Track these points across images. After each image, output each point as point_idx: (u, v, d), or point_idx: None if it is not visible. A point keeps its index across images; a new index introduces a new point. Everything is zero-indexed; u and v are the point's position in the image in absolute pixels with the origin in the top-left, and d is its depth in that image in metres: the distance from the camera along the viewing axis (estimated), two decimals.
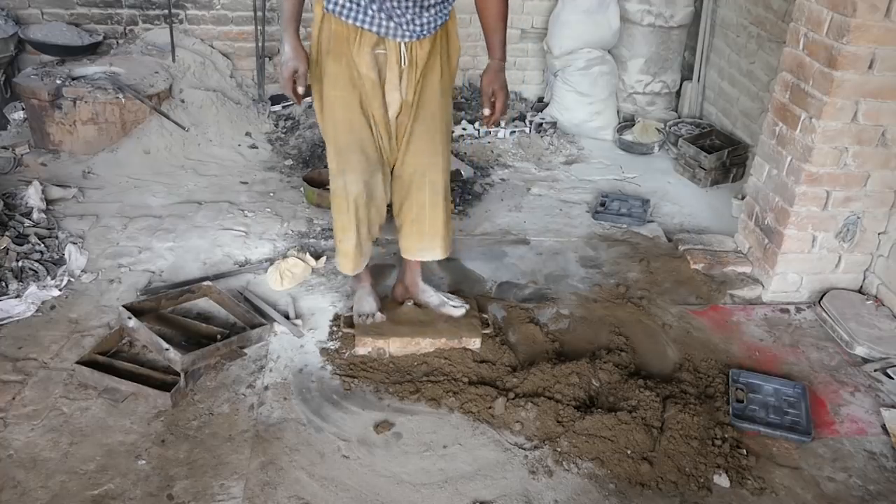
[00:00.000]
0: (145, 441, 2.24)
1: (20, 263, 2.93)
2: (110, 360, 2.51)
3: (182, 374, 2.40)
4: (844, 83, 2.65)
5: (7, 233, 3.06)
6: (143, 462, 2.17)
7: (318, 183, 3.73)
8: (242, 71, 4.77)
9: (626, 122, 4.70)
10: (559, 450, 2.26)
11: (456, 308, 2.72)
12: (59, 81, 3.95)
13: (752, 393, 2.52)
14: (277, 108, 4.64)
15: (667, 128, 4.53)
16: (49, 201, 3.48)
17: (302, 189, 3.73)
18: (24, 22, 4.39)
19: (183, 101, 4.25)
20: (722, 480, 2.18)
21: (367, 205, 2.49)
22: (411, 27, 2.22)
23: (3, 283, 2.82)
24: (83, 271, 3.03)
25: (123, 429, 2.28)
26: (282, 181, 3.92)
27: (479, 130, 4.50)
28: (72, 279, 2.97)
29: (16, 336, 2.65)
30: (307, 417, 2.36)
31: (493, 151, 4.35)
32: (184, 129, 4.14)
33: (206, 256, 3.20)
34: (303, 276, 3.03)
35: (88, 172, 3.84)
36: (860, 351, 2.76)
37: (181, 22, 4.60)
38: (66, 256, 3.05)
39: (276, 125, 4.51)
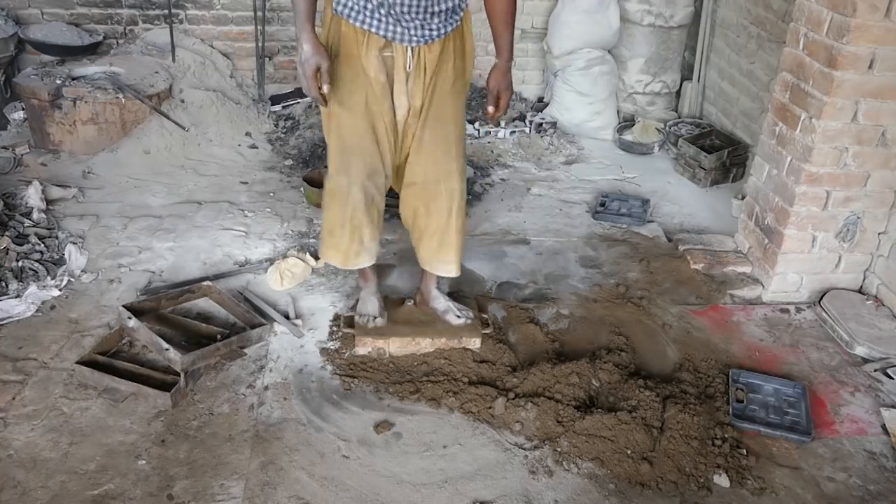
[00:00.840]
0: (145, 441, 2.24)
1: (20, 263, 2.93)
2: (110, 360, 2.51)
3: (182, 374, 2.40)
4: (844, 83, 2.65)
5: (7, 233, 3.06)
6: (143, 462, 2.17)
7: (318, 183, 3.72)
8: (242, 71, 4.77)
9: (626, 122, 4.70)
10: (559, 450, 2.26)
11: (458, 318, 2.69)
12: (59, 81, 3.95)
13: (752, 393, 2.52)
14: (277, 108, 4.64)
15: (667, 128, 4.53)
16: (49, 201, 3.48)
17: (302, 189, 3.73)
18: (24, 22, 4.39)
19: (183, 101, 4.25)
20: (722, 480, 2.18)
21: (367, 208, 2.46)
22: (419, 32, 2.19)
23: (3, 283, 2.82)
24: (83, 271, 3.03)
25: (123, 429, 2.28)
26: (282, 181, 3.92)
27: (478, 130, 4.50)
28: (72, 279, 2.97)
29: (16, 336, 2.65)
30: (307, 417, 2.36)
31: (493, 151, 4.35)
32: (184, 129, 4.14)
33: (206, 256, 3.20)
34: (303, 276, 3.03)
35: (88, 172, 3.84)
36: (860, 351, 2.76)
37: (181, 22, 4.60)
38: (66, 256, 3.05)
39: (276, 125, 4.52)
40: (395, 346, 2.63)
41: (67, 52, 4.29)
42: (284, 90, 4.79)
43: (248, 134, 4.36)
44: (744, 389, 2.52)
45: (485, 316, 2.79)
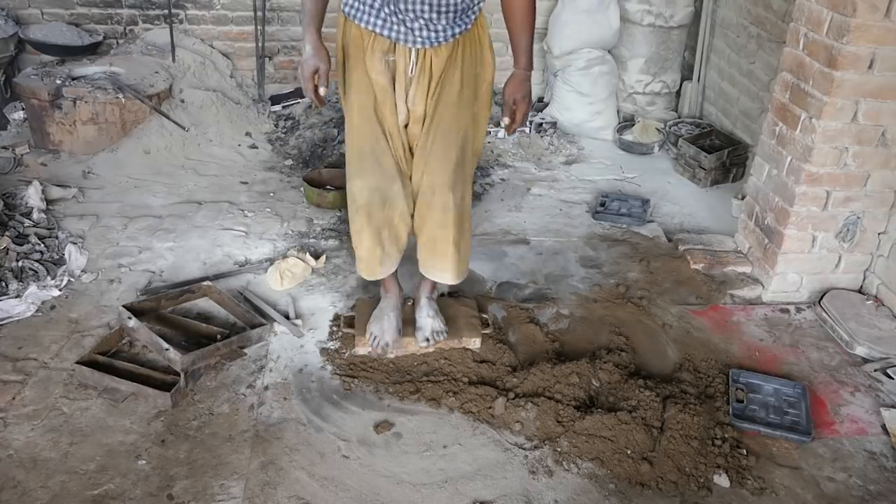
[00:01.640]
0: (145, 441, 2.24)
1: (20, 263, 2.93)
2: (110, 360, 2.51)
3: (182, 374, 2.40)
4: (844, 83, 2.65)
5: (7, 233, 3.06)
6: (143, 462, 2.17)
7: (318, 183, 3.73)
8: (242, 71, 4.77)
9: (626, 122, 4.70)
10: (559, 450, 2.26)
11: (423, 340, 2.59)
12: (59, 81, 3.95)
13: (752, 393, 2.52)
14: (277, 108, 4.64)
15: (667, 128, 4.53)
16: (49, 201, 3.48)
17: (302, 189, 3.73)
18: (24, 22, 4.39)
19: (183, 101, 4.25)
20: (722, 480, 2.18)
21: (383, 212, 2.38)
22: (424, 33, 2.14)
23: (3, 283, 2.82)
24: (83, 271, 3.03)
25: (123, 429, 2.28)
26: (282, 181, 3.92)
27: None
28: (72, 279, 2.97)
29: (16, 336, 2.65)
30: (307, 417, 2.36)
31: (493, 151, 4.35)
32: (184, 129, 4.14)
33: (206, 256, 3.20)
34: (303, 276, 3.03)
35: (88, 172, 3.84)
36: (860, 351, 2.76)
37: (181, 22, 4.60)
38: (66, 256, 3.05)
39: (276, 125, 4.52)
40: (395, 347, 2.63)
41: (67, 52, 4.29)
42: (284, 90, 4.79)
43: (248, 134, 4.36)
44: (744, 389, 2.52)
45: (485, 316, 2.79)
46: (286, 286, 2.98)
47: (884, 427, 2.43)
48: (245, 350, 2.61)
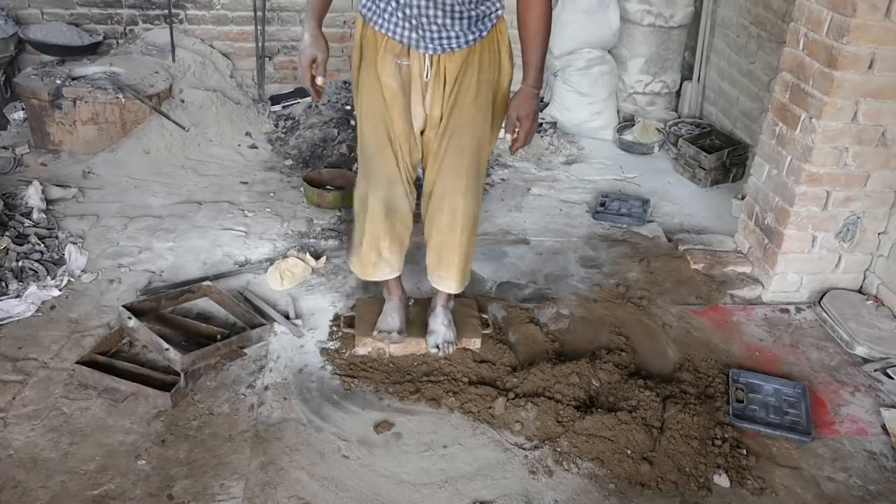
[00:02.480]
0: (145, 441, 2.24)
1: (20, 263, 2.93)
2: (110, 360, 2.51)
3: (182, 374, 2.40)
4: (844, 83, 2.65)
5: (7, 233, 3.06)
6: (143, 462, 2.17)
7: (318, 183, 3.73)
8: (242, 71, 4.77)
9: (626, 122, 4.70)
10: (559, 450, 2.26)
11: (433, 346, 2.61)
12: (59, 81, 3.95)
13: (752, 393, 2.52)
14: (277, 108, 4.64)
15: (667, 128, 4.53)
16: (49, 201, 3.48)
17: (302, 189, 3.73)
18: (24, 22, 4.39)
19: (183, 101, 4.25)
20: (722, 480, 2.18)
21: (387, 217, 2.38)
22: (437, 39, 2.12)
23: (3, 283, 2.82)
24: (83, 271, 3.03)
25: (123, 429, 2.28)
26: (282, 181, 3.92)
27: None
28: (72, 279, 2.97)
29: (16, 336, 2.65)
30: (307, 417, 2.36)
31: (493, 151, 4.34)
32: (184, 129, 4.14)
33: (206, 256, 3.20)
34: (303, 276, 3.03)
35: (88, 172, 3.84)
36: (860, 351, 2.76)
37: (181, 22, 4.60)
38: (66, 256, 3.05)
39: (276, 125, 4.52)
40: (395, 346, 2.63)
41: (67, 52, 4.29)
42: (284, 90, 4.79)
43: (248, 134, 4.36)
44: (744, 389, 2.52)
45: (485, 316, 2.79)
46: (286, 286, 2.98)
47: (884, 427, 2.43)
48: (245, 350, 2.61)
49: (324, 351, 2.65)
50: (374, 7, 2.16)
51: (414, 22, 2.10)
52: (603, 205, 3.71)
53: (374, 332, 2.61)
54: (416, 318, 2.72)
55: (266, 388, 2.47)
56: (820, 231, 2.94)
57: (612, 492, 2.15)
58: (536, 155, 4.34)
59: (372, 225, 2.41)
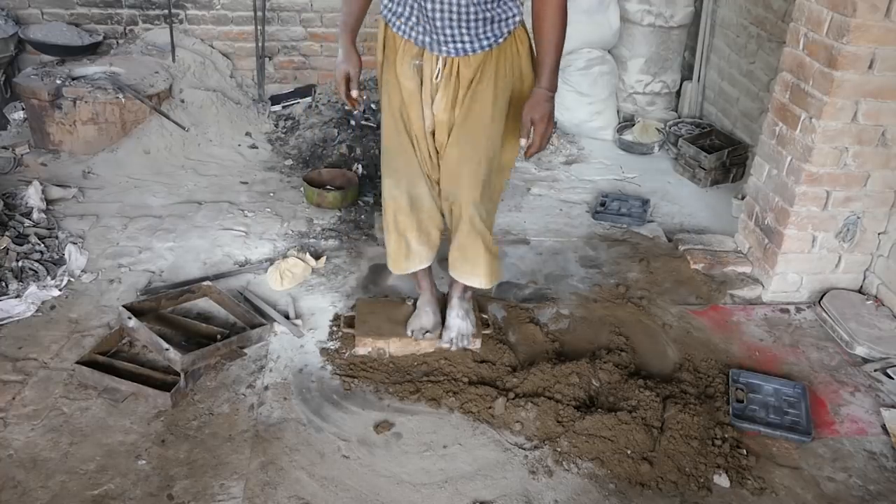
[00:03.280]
0: (145, 441, 2.24)
1: (20, 263, 2.93)
2: (110, 360, 2.51)
3: (182, 374, 2.40)
4: (844, 83, 2.65)
5: (7, 233, 3.06)
6: (143, 462, 2.17)
7: (318, 183, 3.73)
8: (242, 71, 4.77)
9: (626, 122, 4.70)
10: (559, 450, 2.26)
11: (447, 341, 2.62)
12: (59, 81, 3.95)
13: (752, 393, 2.52)
14: (277, 108, 4.64)
15: (667, 128, 4.53)
16: (49, 201, 3.48)
17: (302, 189, 3.73)
18: (24, 22, 4.39)
19: (183, 101, 4.25)
20: (722, 480, 2.18)
21: (413, 210, 2.40)
22: (450, 43, 2.13)
23: (3, 283, 2.82)
24: (83, 271, 3.03)
25: (123, 429, 2.28)
26: (282, 181, 3.92)
27: None
28: (72, 279, 2.97)
29: (16, 336, 2.65)
30: (307, 417, 2.36)
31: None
32: (184, 129, 4.14)
33: (206, 256, 3.20)
34: (303, 276, 3.03)
35: (88, 172, 3.84)
36: (860, 351, 2.76)
37: (181, 22, 4.60)
38: (66, 256, 3.05)
39: (276, 125, 4.52)
40: (395, 347, 2.63)
41: (67, 52, 4.29)
42: (284, 90, 4.79)
43: (248, 134, 4.36)
44: (744, 389, 2.52)
45: (485, 316, 2.79)
46: (286, 286, 2.98)
47: (884, 427, 2.43)
48: (245, 350, 2.61)
49: (324, 351, 2.65)
50: (394, 9, 2.19)
51: (428, 26, 2.12)
52: (603, 205, 3.71)
53: (408, 332, 2.62)
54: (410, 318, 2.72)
55: (266, 388, 2.47)
56: (820, 231, 2.94)
57: (612, 492, 2.15)
58: (536, 155, 4.34)
59: (398, 218, 2.43)
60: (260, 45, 4.65)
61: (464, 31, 2.11)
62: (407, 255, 2.50)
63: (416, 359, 2.62)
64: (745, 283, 3.13)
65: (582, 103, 4.57)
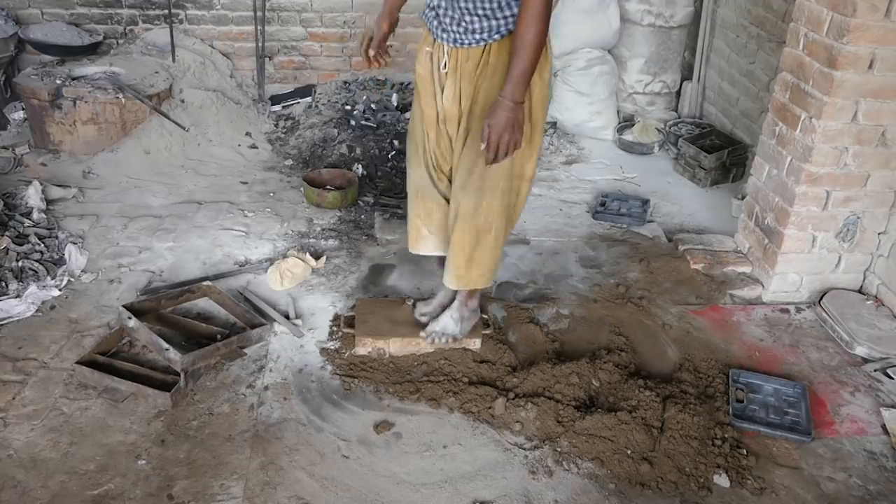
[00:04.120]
0: (145, 441, 2.24)
1: (20, 263, 2.93)
2: (110, 360, 2.51)
3: (182, 374, 2.40)
4: (844, 83, 2.65)
5: (7, 233, 3.06)
6: (143, 462, 2.17)
7: (318, 183, 3.73)
8: (242, 71, 4.77)
9: (626, 122, 4.70)
10: (559, 450, 2.26)
11: (427, 336, 2.62)
12: (59, 81, 3.95)
13: (752, 393, 2.52)
14: (277, 108, 4.64)
15: (667, 128, 4.53)
16: (49, 201, 3.47)
17: (302, 189, 3.73)
18: (24, 22, 4.39)
19: (183, 101, 4.25)
20: (722, 480, 2.18)
21: (418, 196, 2.49)
22: (454, 32, 2.17)
23: (3, 283, 2.82)
24: (83, 271, 3.03)
25: (123, 429, 2.28)
26: (282, 181, 3.92)
27: None
28: (72, 279, 2.97)
29: (16, 336, 2.65)
30: (307, 417, 2.36)
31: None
32: (184, 129, 4.14)
33: (206, 256, 3.20)
34: (303, 276, 3.03)
35: (88, 172, 3.84)
36: (860, 351, 2.76)
37: (181, 22, 4.60)
38: (66, 256, 3.05)
39: (276, 125, 4.51)
40: (395, 347, 2.63)
41: (67, 52, 4.28)
42: (284, 90, 4.79)
43: (248, 134, 4.36)
44: (744, 389, 2.52)
45: (485, 316, 2.79)
46: (286, 286, 2.98)
47: (884, 427, 2.43)
48: (245, 350, 2.61)
49: (324, 351, 2.65)
50: None
51: (439, 11, 2.19)
52: (603, 205, 3.71)
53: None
54: (412, 319, 2.71)
55: (266, 388, 2.47)
56: (820, 231, 2.94)
57: (612, 492, 2.15)
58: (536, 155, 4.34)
59: (414, 201, 2.55)
60: (260, 45, 4.65)
61: (457, 21, 2.15)
62: (417, 238, 2.59)
63: (416, 359, 2.62)
64: (745, 283, 3.13)
65: (582, 103, 4.57)
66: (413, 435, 2.32)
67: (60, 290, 2.89)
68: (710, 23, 4.48)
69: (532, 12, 1.99)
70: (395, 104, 4.56)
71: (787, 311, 3.01)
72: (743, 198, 3.42)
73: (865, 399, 2.55)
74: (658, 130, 4.54)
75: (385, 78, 4.83)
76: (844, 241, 2.97)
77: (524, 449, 2.28)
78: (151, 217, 3.49)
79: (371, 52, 2.40)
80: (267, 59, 4.75)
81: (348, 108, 4.50)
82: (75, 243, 3.16)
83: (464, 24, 2.14)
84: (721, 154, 4.00)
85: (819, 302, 2.99)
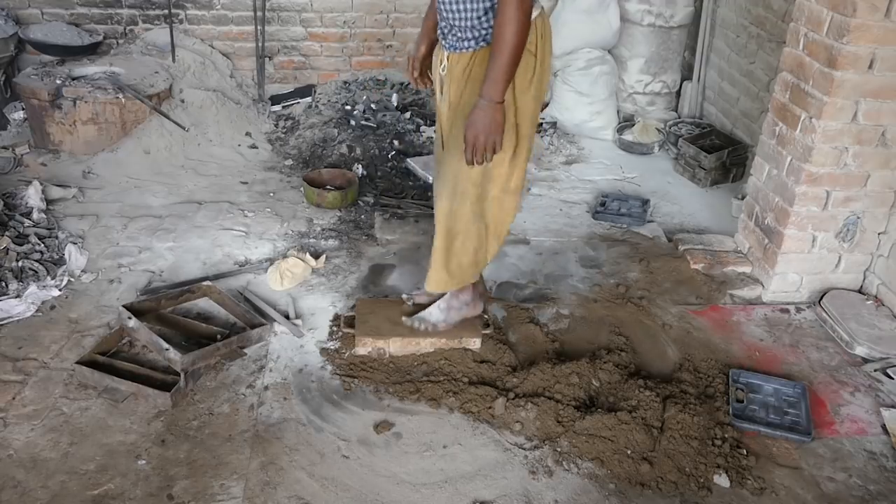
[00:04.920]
0: (145, 441, 2.24)
1: (20, 263, 2.93)
2: (110, 360, 2.51)
3: (182, 374, 2.40)
4: (844, 83, 2.65)
5: (7, 233, 3.06)
6: (143, 462, 2.17)
7: (318, 183, 3.73)
8: (242, 71, 4.77)
9: (626, 122, 4.70)
10: (559, 450, 2.26)
11: (409, 319, 2.64)
12: (59, 81, 3.95)
13: (752, 393, 2.52)
14: (277, 108, 4.64)
15: (667, 128, 4.53)
16: (49, 201, 3.47)
17: (302, 189, 3.73)
18: (24, 22, 4.39)
19: (183, 101, 4.25)
20: (722, 480, 2.18)
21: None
22: (448, 37, 2.23)
23: (3, 283, 2.82)
24: (83, 271, 3.03)
25: (123, 429, 2.28)
26: (282, 181, 3.92)
27: None
28: (72, 279, 2.97)
29: (16, 336, 2.65)
30: (307, 417, 2.36)
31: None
32: (184, 129, 4.14)
33: (206, 256, 3.20)
34: (303, 276, 3.03)
35: (88, 172, 3.84)
36: (860, 351, 2.76)
37: (181, 22, 4.60)
38: (66, 256, 3.05)
39: (276, 125, 4.51)
40: (395, 347, 2.63)
41: (67, 52, 4.28)
42: (284, 90, 4.79)
43: (248, 134, 4.36)
44: (744, 389, 2.52)
45: (485, 316, 2.79)
46: (286, 286, 2.98)
47: (884, 427, 2.43)
48: (245, 350, 2.61)
49: (324, 351, 2.65)
50: None
51: (439, 18, 2.25)
52: (603, 205, 3.71)
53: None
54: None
55: (266, 388, 2.47)
56: (820, 231, 2.94)
57: (612, 492, 2.15)
58: (536, 155, 4.34)
59: None
60: (260, 45, 4.65)
61: (450, 29, 2.20)
62: None
63: (416, 359, 2.62)
64: (745, 283, 3.13)
65: (582, 103, 4.57)
66: (413, 435, 2.32)
67: (60, 290, 2.89)
68: (710, 23, 4.48)
69: (507, 12, 1.99)
70: (395, 104, 4.56)
71: (787, 311, 3.01)
72: (743, 198, 3.42)
73: (865, 399, 2.55)
74: (658, 130, 4.54)
75: (385, 78, 4.84)
76: (844, 241, 2.97)
77: (524, 449, 2.28)
78: (151, 217, 3.49)
79: (415, 74, 2.50)
80: (267, 59, 4.75)
81: (348, 108, 4.51)
82: (75, 243, 3.16)
83: (455, 31, 2.20)
84: (721, 154, 4.00)
85: (819, 302, 2.99)
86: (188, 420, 2.33)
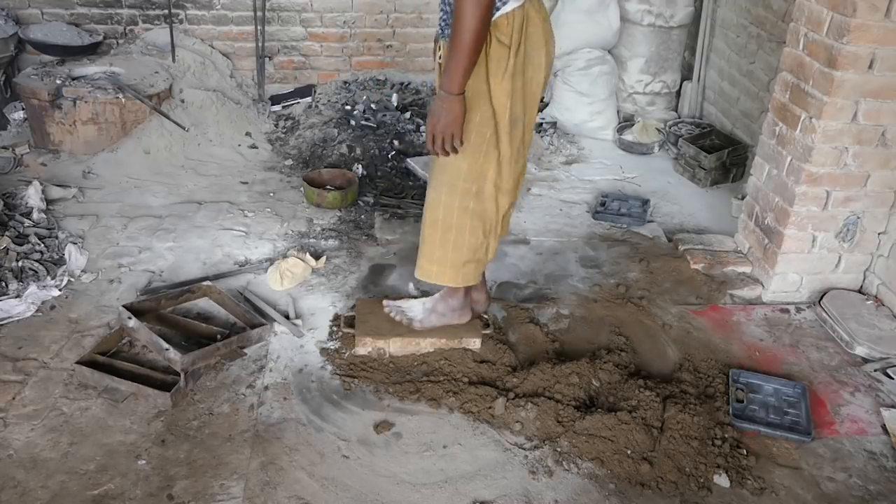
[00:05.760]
0: (145, 441, 2.24)
1: (20, 263, 2.93)
2: (110, 360, 2.51)
3: (182, 374, 2.40)
4: (844, 83, 2.65)
5: (7, 233, 3.06)
6: (143, 462, 2.17)
7: (318, 183, 3.73)
8: (242, 71, 4.77)
9: (626, 122, 4.70)
10: (559, 450, 2.26)
11: (390, 310, 2.67)
12: (59, 81, 3.95)
13: (752, 393, 2.52)
14: (277, 108, 4.64)
15: (667, 128, 4.53)
16: (49, 201, 3.47)
17: (302, 189, 3.73)
18: (24, 22, 4.39)
19: (183, 101, 4.25)
20: (722, 480, 2.18)
21: None
22: (442, 28, 2.23)
23: (3, 283, 2.82)
24: (83, 271, 3.03)
25: (123, 429, 2.28)
26: (282, 181, 3.92)
27: None
28: (72, 279, 2.97)
29: (16, 336, 2.65)
30: (307, 417, 2.36)
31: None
32: (184, 129, 4.14)
33: (206, 256, 3.20)
34: (303, 276, 3.03)
35: (88, 172, 3.84)
36: (860, 351, 2.76)
37: (181, 22, 4.60)
38: (66, 256, 3.05)
39: (276, 125, 4.51)
40: (395, 346, 2.63)
41: (67, 52, 4.28)
42: (284, 90, 4.79)
43: (248, 134, 4.36)
44: (744, 389, 2.52)
45: (485, 316, 2.79)
46: (286, 286, 2.98)
47: (884, 427, 2.43)
48: (245, 350, 2.61)
49: (324, 351, 2.65)
50: None
51: (439, 9, 2.24)
52: (603, 205, 3.71)
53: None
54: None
55: (266, 388, 2.47)
56: (820, 231, 2.94)
57: (612, 492, 2.15)
58: (536, 155, 4.34)
59: None
60: (260, 45, 4.65)
61: (441, 15, 2.21)
62: None
63: (416, 359, 2.62)
64: (745, 283, 3.13)
65: (582, 103, 4.57)
66: (413, 435, 2.32)
67: (60, 290, 2.89)
68: (710, 23, 4.49)
69: (462, 6, 1.96)
70: (395, 104, 4.56)
71: (787, 311, 3.01)
72: (743, 198, 3.42)
73: (865, 399, 2.55)
74: (658, 130, 4.54)
75: (385, 78, 4.84)
76: (844, 241, 2.97)
77: (524, 449, 2.28)
78: (151, 217, 3.49)
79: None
80: (267, 59, 4.75)
81: (348, 108, 4.51)
82: (75, 243, 3.16)
83: (443, 20, 2.21)
84: (721, 154, 4.00)
85: (819, 302, 2.99)
86: (188, 420, 2.33)
